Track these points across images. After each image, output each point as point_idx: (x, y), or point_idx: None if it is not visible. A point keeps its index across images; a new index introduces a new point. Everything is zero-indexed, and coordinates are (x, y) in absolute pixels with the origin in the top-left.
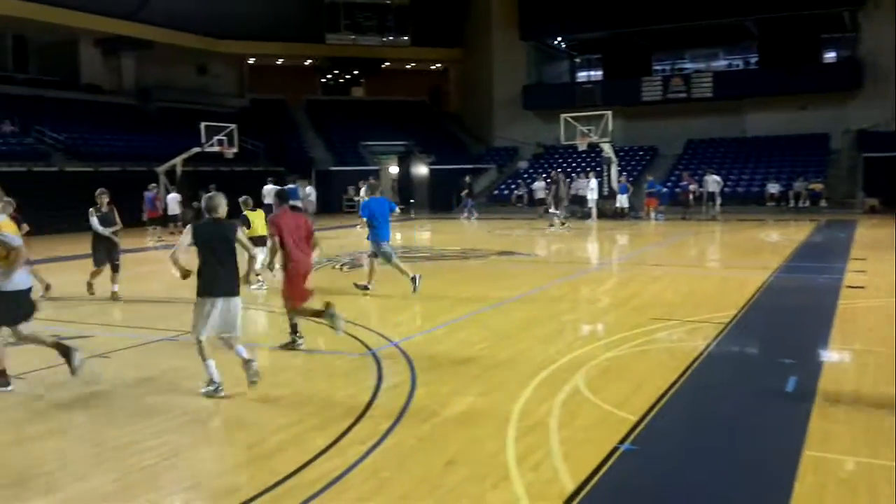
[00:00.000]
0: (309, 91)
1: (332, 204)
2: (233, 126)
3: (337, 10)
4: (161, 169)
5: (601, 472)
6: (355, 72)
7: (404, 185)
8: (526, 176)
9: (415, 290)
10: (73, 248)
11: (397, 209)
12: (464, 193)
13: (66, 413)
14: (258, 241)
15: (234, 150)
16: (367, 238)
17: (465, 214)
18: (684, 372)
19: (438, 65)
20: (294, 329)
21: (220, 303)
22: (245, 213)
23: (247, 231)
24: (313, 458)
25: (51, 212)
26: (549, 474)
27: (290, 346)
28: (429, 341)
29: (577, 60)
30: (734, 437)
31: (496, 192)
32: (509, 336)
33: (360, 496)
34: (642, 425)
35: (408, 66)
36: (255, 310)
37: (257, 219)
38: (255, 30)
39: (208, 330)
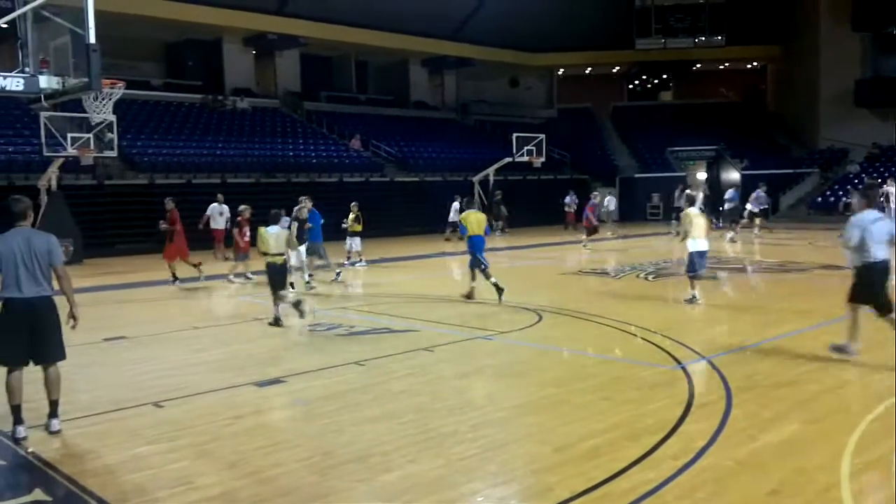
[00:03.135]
0: (615, 98)
1: (636, 212)
2: (541, 136)
3: (647, 15)
4: (476, 178)
5: None
6: (664, 76)
7: (713, 191)
8: (857, 181)
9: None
10: (404, 249)
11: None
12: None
13: (397, 400)
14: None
15: (542, 159)
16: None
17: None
18: None
19: (755, 63)
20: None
21: None
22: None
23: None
24: (626, 468)
25: (382, 217)
26: None
27: None
28: (744, 359)
29: None
30: None
31: (819, 198)
32: (840, 360)
33: None
34: None
35: (721, 67)
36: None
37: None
38: (565, 41)
39: None
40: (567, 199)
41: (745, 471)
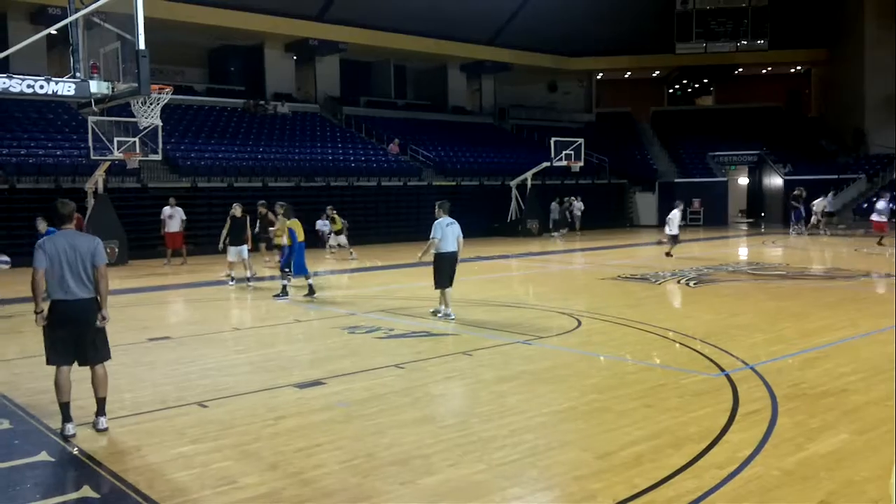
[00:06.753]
0: (655, 102)
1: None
2: (580, 140)
3: (688, 19)
4: (513, 183)
5: None
6: (705, 80)
7: (755, 197)
8: None
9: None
10: None
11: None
12: (794, 204)
13: (436, 403)
14: None
15: (580, 163)
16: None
17: (794, 228)
18: None
19: (798, 67)
20: None
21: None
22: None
23: None
24: (670, 476)
25: (419, 221)
26: None
27: None
28: (790, 367)
29: None
30: None
31: (865, 204)
32: (888, 370)
33: None
34: None
35: (763, 71)
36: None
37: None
38: (605, 45)
39: None
40: (880, 205)
41: (792, 481)
